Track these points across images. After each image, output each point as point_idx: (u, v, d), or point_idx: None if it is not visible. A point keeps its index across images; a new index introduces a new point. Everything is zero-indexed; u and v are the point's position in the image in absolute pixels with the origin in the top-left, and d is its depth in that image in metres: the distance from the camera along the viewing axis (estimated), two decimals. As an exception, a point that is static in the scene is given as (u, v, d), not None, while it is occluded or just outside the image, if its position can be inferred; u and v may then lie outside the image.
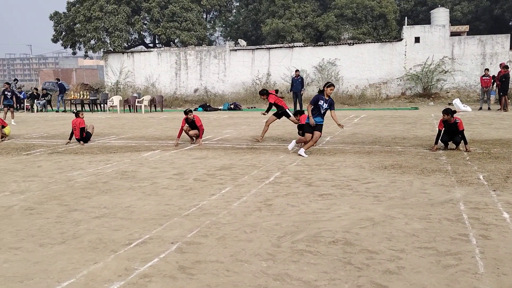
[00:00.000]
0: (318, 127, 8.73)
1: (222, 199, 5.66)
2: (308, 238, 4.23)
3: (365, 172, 7.05)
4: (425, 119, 14.71)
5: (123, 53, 27.85)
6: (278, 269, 3.56)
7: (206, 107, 22.44)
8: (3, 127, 12.03)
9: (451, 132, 8.82)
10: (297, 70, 20.18)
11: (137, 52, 28.45)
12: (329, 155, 8.69)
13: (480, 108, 18.25)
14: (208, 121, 16.38)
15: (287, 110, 10.78)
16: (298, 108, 19.13)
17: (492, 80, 18.63)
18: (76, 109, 20.81)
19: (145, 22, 30.58)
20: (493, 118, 14.66)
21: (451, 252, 3.84)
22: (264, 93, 10.98)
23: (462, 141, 8.77)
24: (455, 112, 8.86)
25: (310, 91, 24.14)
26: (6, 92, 17.40)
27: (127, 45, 30.33)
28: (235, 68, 25.78)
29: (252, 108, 22.90)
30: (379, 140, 10.38)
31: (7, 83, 19.10)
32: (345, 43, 24.31)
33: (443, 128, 8.86)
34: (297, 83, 19.32)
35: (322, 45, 24.80)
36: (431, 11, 25.30)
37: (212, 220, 4.81)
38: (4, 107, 17.45)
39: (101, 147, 10.42)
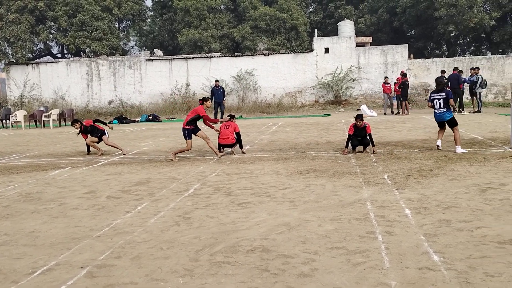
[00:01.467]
0: None
1: (138, 216, 5.49)
2: (226, 249, 4.25)
3: (282, 178, 7.26)
4: (336, 125, 15.48)
5: (27, 65, 26.06)
6: (195, 285, 3.53)
7: (122, 120, 21.68)
8: None
9: (360, 136, 9.39)
10: (217, 81, 20.32)
11: (43, 63, 26.77)
12: (249, 163, 8.82)
13: (385, 113, 19.61)
14: (124, 134, 15.85)
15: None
16: (219, 117, 19.23)
17: (398, 86, 20.14)
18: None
19: (52, 31, 28.89)
20: (396, 122, 15.82)
21: (359, 250, 4.08)
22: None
23: (370, 143, 9.38)
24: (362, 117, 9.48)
25: (230, 101, 24.36)
26: None
27: (31, 56, 28.39)
28: (152, 78, 25.26)
29: (171, 119, 22.55)
30: (295, 147, 10.74)
31: None
32: (261, 54, 24.91)
33: (353, 133, 9.40)
34: (219, 93, 19.45)
35: (239, 56, 25.18)
36: (338, 23, 26.79)
37: (126, 239, 4.64)
38: None
39: (2, 167, 9.62)
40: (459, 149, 8.96)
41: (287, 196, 6.11)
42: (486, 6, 28.30)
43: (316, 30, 28.22)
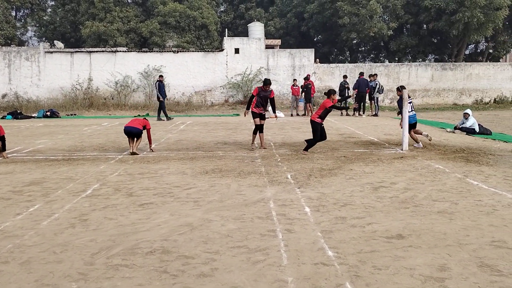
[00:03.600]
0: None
1: (30, 218, 5.11)
2: (124, 251, 4.12)
3: (187, 178, 7.20)
4: (244, 125, 15.72)
5: None
6: (89, 288, 3.38)
7: (16, 115, 19.95)
8: None
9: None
10: (160, 76, 19.15)
11: None
12: (153, 162, 8.62)
13: (291, 115, 20.36)
14: (18, 130, 14.62)
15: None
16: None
17: (301, 89, 21.00)
18: None
19: None
20: (301, 123, 16.49)
21: (260, 248, 4.19)
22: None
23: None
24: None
25: (136, 98, 23.60)
26: None
27: None
28: (51, 71, 23.60)
29: (72, 115, 21.23)
30: (203, 146, 10.72)
31: None
32: (170, 51, 24.47)
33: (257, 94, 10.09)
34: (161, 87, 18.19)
35: (147, 51, 24.48)
36: (249, 24, 27.26)
37: (15, 243, 4.30)
38: None
39: None
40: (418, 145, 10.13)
41: (191, 196, 6.09)
42: (385, 17, 30.69)
43: (226, 30, 28.44)
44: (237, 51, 24.39)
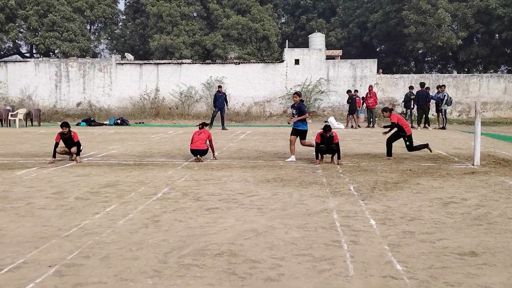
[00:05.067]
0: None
1: (107, 217, 5.47)
2: (194, 252, 4.31)
3: (250, 186, 7.36)
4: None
5: (-6, 62, 25.30)
6: (164, 285, 3.57)
7: (90, 122, 21.32)
8: None
9: (327, 144, 9.61)
10: (219, 86, 20.16)
11: (11, 62, 26.04)
12: (217, 170, 8.88)
13: (352, 126, 20.09)
14: (92, 136, 15.60)
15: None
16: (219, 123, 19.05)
17: (362, 101, 20.73)
18: None
19: (21, 30, 28.16)
20: (362, 135, 16.24)
21: (325, 257, 4.21)
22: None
23: (336, 154, 9.60)
24: (331, 128, 9.70)
25: (199, 108, 24.36)
26: None
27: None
28: (122, 82, 24.98)
29: (140, 123, 22.31)
30: (263, 155, 10.88)
31: None
32: (232, 62, 25.08)
33: (320, 141, 9.61)
34: (222, 99, 19.12)
35: (210, 63, 25.26)
36: (309, 35, 27.32)
37: (95, 239, 4.63)
38: None
39: (-35, 165, 9.33)
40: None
41: (254, 203, 6.21)
42: (453, 26, 29.55)
43: (287, 41, 28.67)
44: (297, 62, 24.50)
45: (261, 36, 28.54)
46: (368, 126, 19.70)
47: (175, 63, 25.01)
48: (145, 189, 7.06)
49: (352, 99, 19.78)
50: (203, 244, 4.52)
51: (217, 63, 25.29)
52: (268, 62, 25.04)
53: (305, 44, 28.85)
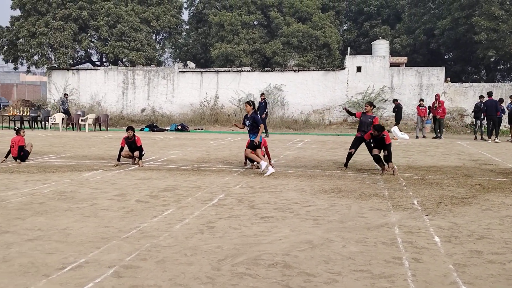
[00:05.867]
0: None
1: (164, 221, 5.58)
2: (248, 261, 4.26)
3: (306, 196, 7.22)
4: (363, 145, 15.28)
5: (68, 70, 26.99)
6: (217, 293, 3.55)
7: (153, 128, 22.13)
8: None
9: (379, 145, 9.42)
10: (262, 94, 20.39)
11: (83, 69, 27.68)
12: (273, 178, 8.82)
13: (417, 137, 19.29)
14: (154, 141, 16.15)
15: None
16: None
17: (428, 110, 19.84)
18: (16, 126, 19.81)
19: (93, 40, 29.90)
20: (428, 146, 15.52)
21: (385, 275, 4.00)
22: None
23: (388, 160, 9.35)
24: (383, 129, 9.42)
25: (257, 115, 24.50)
26: None
27: (72, 62, 29.40)
28: (183, 89, 25.73)
29: (199, 129, 22.84)
30: (321, 165, 10.68)
31: None
32: (291, 70, 25.02)
33: (370, 140, 9.60)
34: (261, 106, 19.35)
35: (269, 71, 25.37)
36: (373, 42, 26.67)
37: (152, 242, 4.73)
38: None
39: (39, 166, 9.96)
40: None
41: (310, 214, 6.08)
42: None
43: (349, 48, 28.16)
44: (359, 69, 23.97)
45: (321, 44, 28.29)
46: (436, 137, 18.79)
47: (234, 71, 25.38)
48: (201, 195, 7.15)
49: (398, 108, 19.16)
50: (257, 254, 4.46)
51: (276, 70, 25.35)
52: (329, 70, 24.71)
53: (368, 51, 28.20)
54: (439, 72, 23.48)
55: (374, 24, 33.49)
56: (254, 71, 25.41)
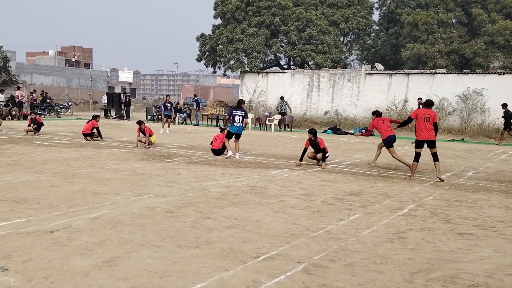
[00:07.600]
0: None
1: (351, 225, 5.50)
2: (444, 278, 3.87)
3: (514, 215, 6.26)
4: None
5: (258, 73, 29.21)
6: (410, 308, 3.31)
7: (335, 130, 22.28)
8: (151, 135, 13.33)
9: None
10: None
11: (271, 72, 29.59)
12: (471, 191, 7.93)
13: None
14: (337, 144, 16.22)
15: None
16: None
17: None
18: (218, 125, 22.36)
19: (282, 44, 31.71)
20: None
21: None
22: None
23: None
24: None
25: (451, 121, 22.46)
26: (166, 104, 19.37)
27: (262, 66, 31.74)
28: (369, 92, 25.23)
29: (453, 140, 21.72)
30: (532, 181, 9.15)
31: (167, 95, 21.51)
32: (495, 72, 22.16)
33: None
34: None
35: (468, 73, 22.97)
36: None
37: (340, 245, 4.69)
38: (164, 117, 19.22)
39: (233, 161, 10.95)
40: None
41: (522, 236, 5.23)
42: None
43: None
44: None
45: (534, 42, 24.45)
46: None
47: (427, 73, 23.73)
48: (389, 203, 6.83)
49: (508, 114, 17.13)
50: (454, 271, 4.03)
51: (476, 73, 22.81)
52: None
53: None
54: None
55: None
56: (450, 73, 23.36)
